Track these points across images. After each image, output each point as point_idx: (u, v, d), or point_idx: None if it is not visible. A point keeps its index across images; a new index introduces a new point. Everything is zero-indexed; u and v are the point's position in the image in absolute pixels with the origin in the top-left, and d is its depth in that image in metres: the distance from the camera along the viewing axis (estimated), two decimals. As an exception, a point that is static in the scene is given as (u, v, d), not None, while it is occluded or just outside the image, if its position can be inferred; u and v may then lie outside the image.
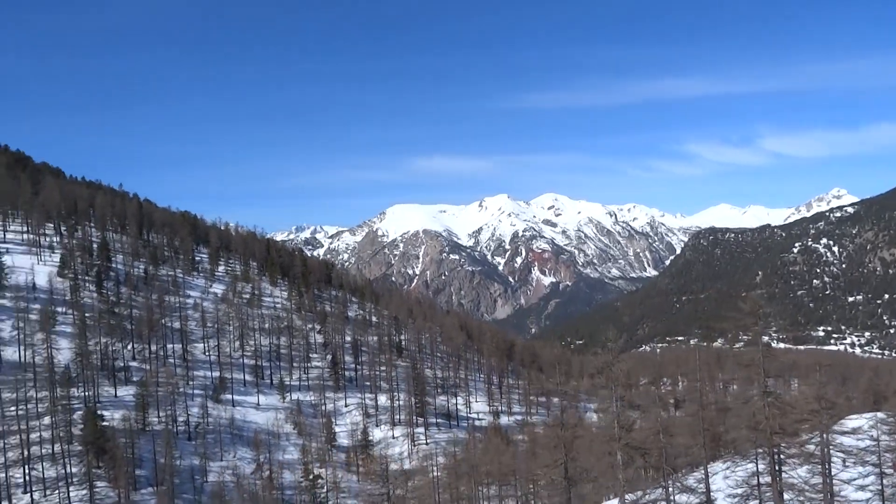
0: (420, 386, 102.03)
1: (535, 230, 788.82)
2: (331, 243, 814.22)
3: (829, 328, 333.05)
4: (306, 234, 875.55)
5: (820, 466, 23.70)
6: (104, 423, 70.85)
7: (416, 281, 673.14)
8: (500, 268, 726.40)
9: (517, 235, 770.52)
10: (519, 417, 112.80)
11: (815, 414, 22.76)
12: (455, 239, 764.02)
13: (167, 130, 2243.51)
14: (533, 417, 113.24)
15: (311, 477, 77.63)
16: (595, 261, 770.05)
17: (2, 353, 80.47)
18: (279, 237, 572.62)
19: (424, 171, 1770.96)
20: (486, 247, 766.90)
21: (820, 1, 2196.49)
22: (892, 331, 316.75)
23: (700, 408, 27.32)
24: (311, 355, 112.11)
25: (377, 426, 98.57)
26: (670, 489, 24.78)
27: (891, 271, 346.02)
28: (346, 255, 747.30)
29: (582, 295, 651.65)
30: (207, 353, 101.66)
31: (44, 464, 66.42)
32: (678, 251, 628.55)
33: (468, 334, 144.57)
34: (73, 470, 66.53)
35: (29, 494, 63.33)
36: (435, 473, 66.45)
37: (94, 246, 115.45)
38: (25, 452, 64.67)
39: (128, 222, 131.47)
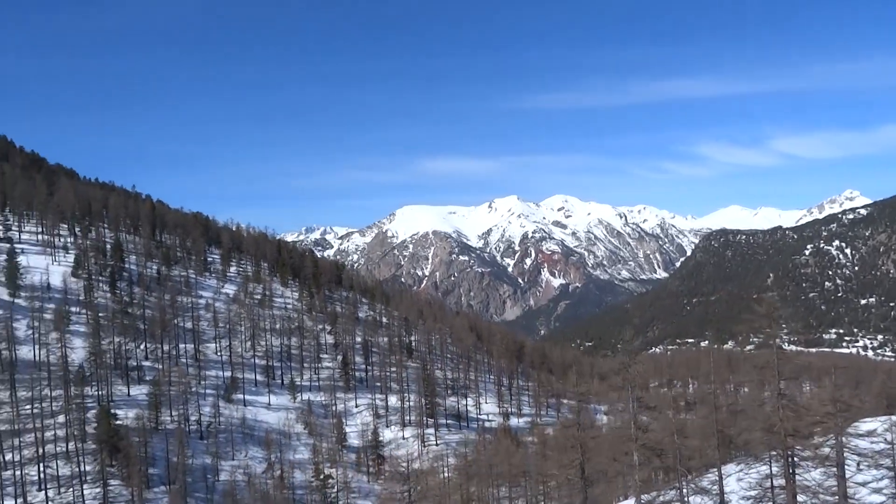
0: (430, 387, 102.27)
1: (544, 231, 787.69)
2: (340, 244, 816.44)
3: (842, 331, 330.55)
4: (316, 234, 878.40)
5: (834, 469, 23.69)
6: (118, 422, 71.48)
7: (425, 282, 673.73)
8: (510, 269, 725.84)
9: (527, 237, 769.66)
10: (529, 419, 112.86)
11: (829, 416, 22.77)
12: (464, 240, 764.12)
13: (178, 132, 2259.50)
14: (543, 419, 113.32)
15: (321, 477, 78.08)
16: (605, 262, 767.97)
17: (17, 353, 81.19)
18: (289, 238, 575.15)
19: (434, 173, 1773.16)
20: (496, 248, 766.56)
21: (830, 1, 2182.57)
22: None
23: (714, 410, 27.36)
24: (321, 356, 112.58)
25: (387, 427, 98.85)
26: (684, 490, 24.83)
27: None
28: (355, 256, 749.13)
29: (591, 296, 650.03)
30: (219, 353, 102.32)
31: (58, 462, 67.11)
32: (688, 253, 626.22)
33: (478, 335, 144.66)
34: (87, 468, 67.16)
35: (44, 492, 63.95)
36: (446, 474, 66.68)
37: (108, 246, 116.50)
38: (40, 450, 65.38)
39: (141, 223, 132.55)
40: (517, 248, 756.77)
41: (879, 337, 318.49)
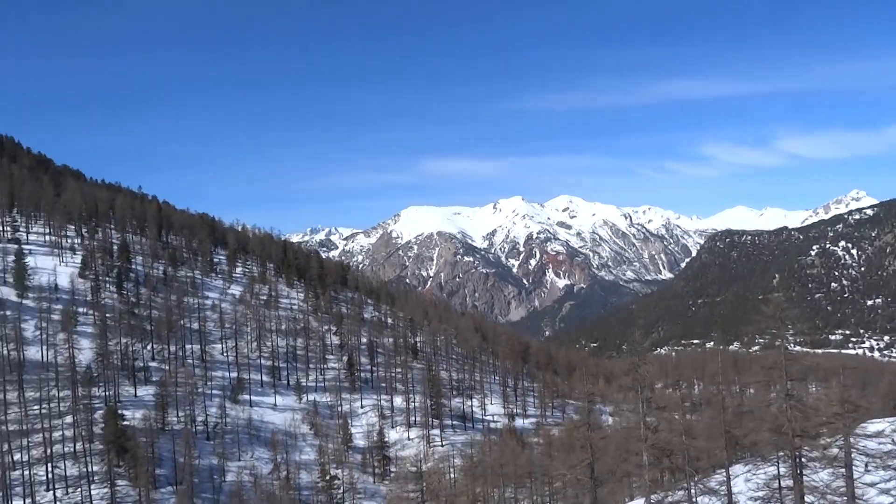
0: (435, 388, 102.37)
1: (549, 232, 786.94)
2: (345, 245, 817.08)
3: (848, 332, 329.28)
4: (321, 235, 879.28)
5: (842, 470, 23.70)
6: (125, 423, 71.88)
7: (430, 283, 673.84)
8: (515, 270, 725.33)
9: (531, 237, 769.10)
10: (534, 420, 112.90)
11: (838, 417, 22.78)
12: (469, 241, 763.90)
13: (183, 133, 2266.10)
14: (548, 420, 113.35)
15: (327, 477, 78.11)
16: (610, 263, 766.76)
17: (25, 353, 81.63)
18: (294, 239, 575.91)
19: (438, 173, 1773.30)
20: (501, 249, 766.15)
21: (835, 0, 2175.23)
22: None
23: (722, 410, 27.39)
24: (327, 356, 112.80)
25: (393, 427, 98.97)
26: (692, 491, 24.87)
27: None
28: (360, 257, 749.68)
29: (596, 297, 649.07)
30: (225, 354, 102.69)
31: (66, 462, 67.49)
32: (694, 254, 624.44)
33: (483, 336, 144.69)
34: (95, 468, 67.53)
35: (52, 492, 64.35)
36: (452, 475, 66.79)
37: (115, 247, 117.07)
38: (48, 451, 65.81)
39: (147, 224, 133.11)
40: (522, 248, 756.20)
41: (886, 338, 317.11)
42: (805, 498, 24.25)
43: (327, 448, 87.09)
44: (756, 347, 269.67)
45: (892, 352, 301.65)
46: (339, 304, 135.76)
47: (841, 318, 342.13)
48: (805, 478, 24.45)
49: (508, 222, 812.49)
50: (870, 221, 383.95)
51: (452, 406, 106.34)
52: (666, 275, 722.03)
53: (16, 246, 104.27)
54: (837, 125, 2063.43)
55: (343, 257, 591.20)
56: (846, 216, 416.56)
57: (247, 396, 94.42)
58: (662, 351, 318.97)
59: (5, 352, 79.34)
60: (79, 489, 65.40)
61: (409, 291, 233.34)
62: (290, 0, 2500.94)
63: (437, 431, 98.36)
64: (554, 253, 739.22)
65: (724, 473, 27.06)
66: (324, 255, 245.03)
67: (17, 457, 65.34)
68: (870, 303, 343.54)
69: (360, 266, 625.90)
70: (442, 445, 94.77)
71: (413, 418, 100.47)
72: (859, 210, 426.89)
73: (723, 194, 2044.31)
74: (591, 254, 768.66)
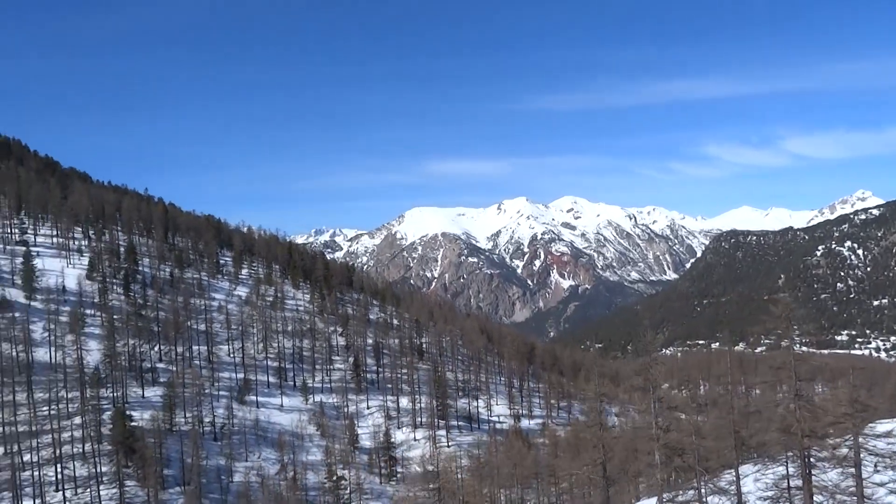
0: (441, 389, 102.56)
1: (553, 233, 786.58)
2: (349, 246, 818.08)
3: (854, 332, 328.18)
4: (325, 237, 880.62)
5: (851, 470, 23.80)
6: (133, 424, 72.21)
7: (434, 284, 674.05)
8: (519, 271, 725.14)
9: (536, 238, 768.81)
10: (540, 421, 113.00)
11: (847, 417, 22.89)
12: (473, 242, 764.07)
13: (187, 134, 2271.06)
14: (554, 421, 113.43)
15: (334, 478, 78.51)
16: (614, 264, 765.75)
17: (34, 355, 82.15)
18: (298, 240, 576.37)
19: (442, 174, 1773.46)
20: (505, 249, 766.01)
21: (839, 0, 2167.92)
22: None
23: (731, 410, 27.52)
24: (333, 357, 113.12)
25: (399, 428, 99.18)
26: (702, 490, 25.00)
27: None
28: (364, 258, 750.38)
29: (601, 298, 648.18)
30: (232, 355, 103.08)
31: (75, 463, 67.87)
32: (699, 254, 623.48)
33: (488, 337, 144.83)
34: (104, 469, 67.96)
35: (61, 492, 64.75)
36: (460, 476, 66.78)
37: (122, 249, 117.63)
38: (57, 451, 66.25)
39: (153, 226, 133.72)
40: (526, 249, 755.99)
41: (892, 338, 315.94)
42: (814, 498, 24.36)
43: (334, 449, 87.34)
44: (762, 348, 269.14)
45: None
46: (345, 305, 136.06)
47: (847, 318, 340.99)
48: (814, 478, 24.56)
49: (513, 223, 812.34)
50: (876, 221, 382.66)
51: (458, 407, 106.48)
52: (671, 275, 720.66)
53: (24, 248, 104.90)
54: (842, 125, 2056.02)
55: (347, 258, 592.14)
56: (852, 216, 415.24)
57: (253, 397, 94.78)
58: (668, 352, 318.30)
59: (14, 353, 79.81)
60: (88, 490, 65.80)
61: (413, 292, 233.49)
62: (292, 1, 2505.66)
63: (443, 432, 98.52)
64: (558, 254, 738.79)
65: (734, 473, 27.19)
66: (328, 257, 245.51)
67: (27, 457, 65.76)
68: (876, 303, 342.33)
69: (365, 267, 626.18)
70: (448, 446, 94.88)
71: (419, 419, 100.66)
72: (865, 210, 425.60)
73: (727, 194, 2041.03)
74: (595, 254, 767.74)
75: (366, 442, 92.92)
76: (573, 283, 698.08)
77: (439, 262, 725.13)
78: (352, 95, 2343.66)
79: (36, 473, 63.75)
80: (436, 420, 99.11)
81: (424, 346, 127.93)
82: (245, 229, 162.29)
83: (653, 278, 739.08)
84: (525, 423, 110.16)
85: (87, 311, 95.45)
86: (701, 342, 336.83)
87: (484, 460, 76.78)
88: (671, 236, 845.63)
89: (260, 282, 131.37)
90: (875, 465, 25.06)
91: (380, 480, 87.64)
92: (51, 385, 71.81)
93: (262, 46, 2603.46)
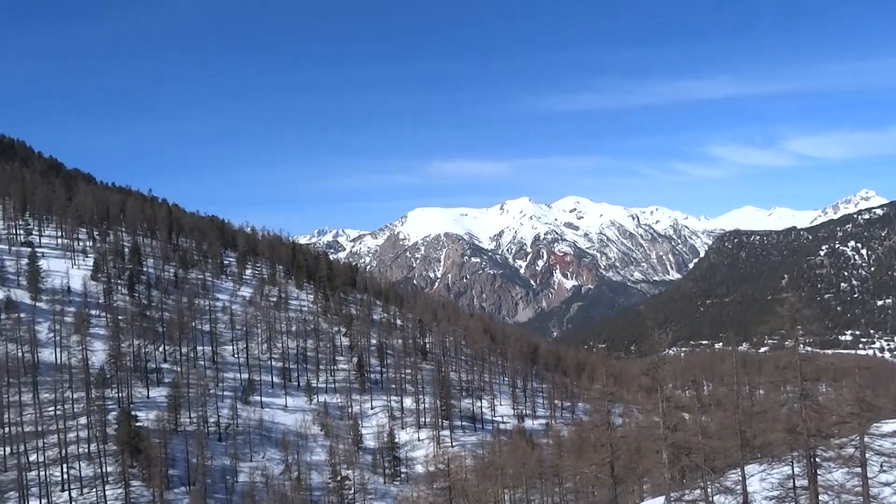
0: (445, 389, 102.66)
1: (556, 233, 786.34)
2: (352, 247, 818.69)
3: (858, 332, 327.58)
4: (328, 237, 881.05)
5: (857, 469, 23.85)
6: (138, 424, 72.49)
7: (437, 284, 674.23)
8: (522, 271, 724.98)
9: (539, 238, 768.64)
10: (544, 421, 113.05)
11: (854, 416, 22.95)
12: (476, 242, 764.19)
13: (191, 136, 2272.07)
14: (558, 421, 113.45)
15: (338, 478, 78.50)
16: (617, 264, 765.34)
17: (39, 355, 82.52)
18: (302, 240, 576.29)
19: (445, 175, 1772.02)
20: (508, 250, 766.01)
21: (842, 0, 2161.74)
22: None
23: (737, 410, 27.59)
24: (337, 358, 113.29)
25: (403, 428, 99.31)
26: (709, 490, 25.08)
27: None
28: (367, 259, 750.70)
29: (604, 298, 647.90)
30: (236, 356, 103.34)
31: (81, 463, 68.20)
32: (702, 254, 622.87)
33: (492, 337, 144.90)
34: (109, 469, 68.17)
35: (67, 492, 65.01)
36: (465, 476, 67.03)
37: (126, 250, 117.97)
38: (63, 452, 66.52)
39: (157, 227, 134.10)
40: (529, 249, 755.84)
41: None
42: (820, 497, 24.42)
43: (338, 449, 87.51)
44: (765, 348, 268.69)
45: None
46: (349, 306, 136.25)
47: (851, 318, 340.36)
48: (819, 477, 24.62)
49: (515, 223, 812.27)
50: (879, 221, 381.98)
51: (462, 407, 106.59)
52: (674, 275, 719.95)
53: (29, 249, 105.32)
54: (846, 125, 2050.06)
55: (350, 259, 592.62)
56: (855, 216, 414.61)
57: (258, 398, 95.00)
58: (671, 352, 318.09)
59: (20, 354, 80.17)
60: (94, 489, 66.05)
61: (417, 293, 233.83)
62: (296, 4, 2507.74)
63: (446, 432, 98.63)
64: (561, 254, 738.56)
65: (739, 473, 27.26)
66: (331, 257, 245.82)
67: (32, 457, 66.15)
68: (880, 303, 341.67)
69: (368, 267, 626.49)
70: (452, 446, 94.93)
71: (423, 419, 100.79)
72: (869, 210, 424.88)
73: (731, 194, 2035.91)
74: (598, 254, 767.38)
75: (370, 442, 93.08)
76: (576, 284, 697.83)
77: (442, 263, 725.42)
78: (354, 96, 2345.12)
79: (42, 473, 64.01)
80: (440, 420, 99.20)
81: (428, 346, 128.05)
82: (249, 230, 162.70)
83: (656, 278, 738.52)
84: (529, 423, 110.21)
85: (92, 312, 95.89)
86: (704, 342, 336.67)
87: (488, 460, 76.85)
88: (674, 236, 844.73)
89: (264, 282, 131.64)
90: (881, 465, 25.10)
91: (384, 480, 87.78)
92: (56, 385, 72.12)
93: (266, 48, 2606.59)
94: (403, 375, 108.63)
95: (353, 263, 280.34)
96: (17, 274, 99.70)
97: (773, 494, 25.59)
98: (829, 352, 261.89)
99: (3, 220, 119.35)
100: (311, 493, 78.32)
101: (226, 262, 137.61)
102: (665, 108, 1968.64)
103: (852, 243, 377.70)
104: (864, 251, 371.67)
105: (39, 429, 68.43)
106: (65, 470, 65.99)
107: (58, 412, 69.60)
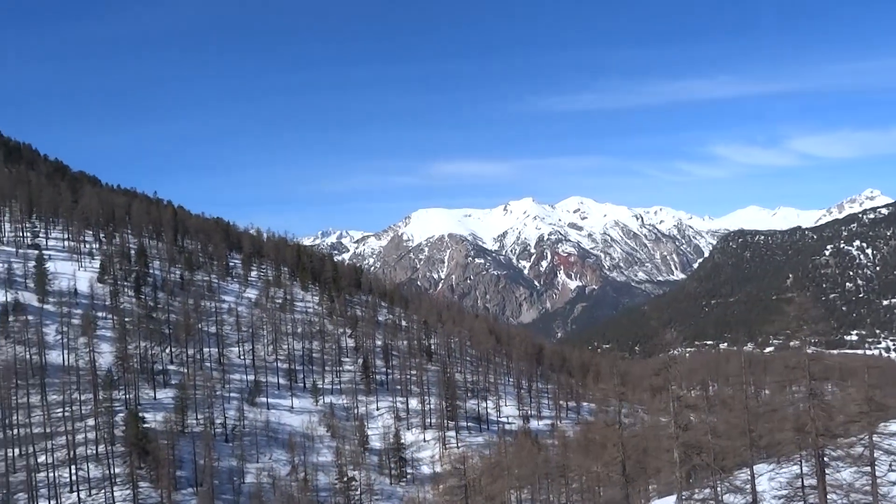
0: (450, 390, 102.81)
1: (560, 234, 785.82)
2: (356, 248, 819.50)
3: (863, 332, 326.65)
4: (332, 238, 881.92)
5: (866, 468, 23.95)
6: (145, 425, 72.80)
7: (441, 285, 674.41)
8: (526, 272, 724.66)
9: (542, 239, 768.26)
10: (549, 421, 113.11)
11: (863, 415, 23.05)
12: (480, 243, 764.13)
13: (195, 137, 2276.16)
14: (563, 422, 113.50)
15: (345, 479, 78.82)
16: (621, 264, 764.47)
17: (47, 357, 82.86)
18: (305, 242, 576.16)
19: (449, 176, 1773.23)
20: (512, 251, 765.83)
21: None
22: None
23: (745, 409, 27.70)
24: (342, 359, 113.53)
25: (408, 429, 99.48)
26: (719, 489, 25.21)
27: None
28: (371, 260, 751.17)
29: (608, 299, 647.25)
30: (242, 357, 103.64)
31: (89, 464, 68.47)
32: (706, 254, 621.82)
33: (497, 338, 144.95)
34: (117, 470, 68.54)
35: (76, 493, 65.35)
36: (474, 475, 67.21)
37: (132, 252, 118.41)
38: (72, 453, 66.84)
39: (163, 229, 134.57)
40: (533, 250, 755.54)
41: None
42: (829, 496, 24.51)
43: (344, 450, 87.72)
44: (770, 348, 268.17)
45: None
46: (354, 307, 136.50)
47: (856, 318, 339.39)
48: (828, 477, 24.71)
49: (519, 224, 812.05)
50: (885, 220, 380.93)
51: (467, 408, 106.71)
52: (678, 275, 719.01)
53: (36, 251, 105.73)
54: (849, 124, 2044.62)
55: (354, 260, 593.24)
56: (860, 215, 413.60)
57: (264, 399, 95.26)
58: (676, 352, 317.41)
59: (28, 356, 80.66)
60: (102, 491, 66.36)
61: (421, 294, 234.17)
62: (295, 4, 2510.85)
63: (452, 433, 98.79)
64: (565, 254, 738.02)
65: (748, 472, 27.38)
66: (335, 258, 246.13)
67: (41, 459, 66.46)
68: (885, 303, 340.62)
69: (371, 269, 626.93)
70: (458, 447, 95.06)
71: (428, 420, 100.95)
72: (874, 209, 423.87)
73: (735, 194, 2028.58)
74: (602, 255, 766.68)
75: (376, 443, 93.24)
76: (580, 284, 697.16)
77: (446, 264, 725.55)
78: (355, 97, 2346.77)
79: (51, 475, 64.37)
80: (445, 421, 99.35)
81: (433, 347, 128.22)
82: (254, 232, 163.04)
83: (660, 279, 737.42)
84: (534, 423, 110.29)
85: (99, 314, 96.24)
86: (709, 342, 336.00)
87: (494, 460, 76.96)
88: (678, 236, 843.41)
89: (269, 284, 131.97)
90: (890, 465, 25.21)
91: (390, 481, 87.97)
92: (64, 387, 72.40)
93: (266, 48, 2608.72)
94: (409, 376, 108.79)
95: (357, 265, 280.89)
96: (24, 276, 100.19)
97: (781, 493, 25.69)
98: (835, 352, 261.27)
99: (10, 222, 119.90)
100: (318, 494, 78.53)
101: (231, 263, 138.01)
102: (667, 108, 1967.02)
103: (857, 243, 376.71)
104: (869, 251, 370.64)
105: (48, 430, 68.78)
106: (73, 471, 66.32)
107: (66, 414, 69.88)
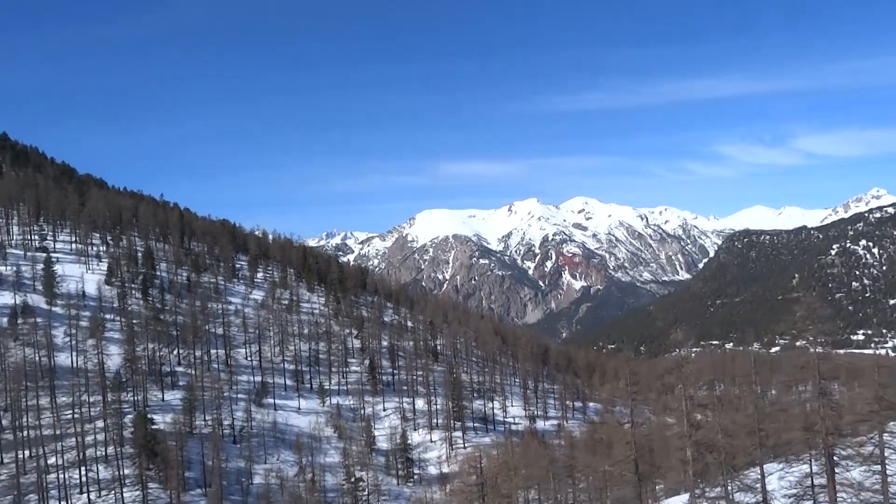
0: (457, 390, 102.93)
1: (565, 234, 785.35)
2: (361, 249, 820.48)
3: (870, 332, 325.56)
4: (337, 240, 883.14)
5: (876, 467, 24.04)
6: (154, 427, 73.11)
7: (445, 286, 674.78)
8: (531, 272, 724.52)
9: (547, 239, 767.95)
10: (555, 421, 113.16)
11: (873, 414, 23.14)
12: (485, 243, 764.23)
13: (199, 139, 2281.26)
14: (569, 422, 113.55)
15: (352, 480, 79.03)
16: (626, 264, 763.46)
17: (56, 359, 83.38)
18: (310, 243, 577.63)
19: (453, 176, 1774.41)
20: (516, 251, 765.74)
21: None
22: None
23: (755, 409, 27.82)
24: (349, 360, 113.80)
25: (415, 430, 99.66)
26: (729, 487, 25.34)
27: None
28: (376, 261, 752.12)
29: (613, 299, 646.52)
30: (249, 359, 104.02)
31: (98, 465, 68.83)
32: (711, 254, 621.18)
33: (503, 339, 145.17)
34: (126, 472, 68.86)
35: (86, 495, 65.72)
36: (490, 474, 67.43)
37: (139, 254, 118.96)
38: (81, 454, 67.19)
39: (170, 231, 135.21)
40: (537, 250, 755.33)
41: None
42: (839, 495, 24.61)
43: (351, 450, 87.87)
44: (776, 348, 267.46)
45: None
46: (360, 308, 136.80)
47: (862, 318, 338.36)
48: (838, 475, 24.81)
49: (524, 224, 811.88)
50: (891, 220, 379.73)
51: (474, 408, 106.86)
52: (683, 276, 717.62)
53: (44, 254, 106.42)
54: (855, 123, 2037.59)
55: (359, 261, 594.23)
56: (866, 214, 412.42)
57: (271, 400, 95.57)
58: (682, 352, 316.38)
59: (37, 358, 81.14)
60: (112, 492, 66.72)
61: (426, 294, 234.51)
62: (303, 5, 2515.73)
63: (459, 434, 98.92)
64: (570, 255, 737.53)
65: (758, 471, 27.49)
66: (340, 259, 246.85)
67: (51, 461, 66.78)
68: (892, 302, 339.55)
69: (376, 270, 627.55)
70: (464, 447, 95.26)
71: (435, 420, 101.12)
72: (880, 208, 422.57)
73: (740, 194, 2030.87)
74: (607, 255, 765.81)
75: (382, 444, 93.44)
76: (585, 284, 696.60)
77: (451, 264, 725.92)
78: (355, 97, 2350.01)
79: (61, 476, 64.70)
80: (452, 422, 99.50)
81: (439, 347, 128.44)
82: (259, 233, 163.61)
83: (665, 279, 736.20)
84: (540, 424, 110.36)
85: (107, 316, 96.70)
86: (715, 342, 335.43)
87: (501, 460, 77.02)
88: (683, 236, 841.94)
89: (275, 285, 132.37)
90: (899, 464, 25.28)
91: (397, 482, 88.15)
92: (73, 389, 72.78)
93: (265, 48, 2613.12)
94: (415, 377, 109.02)
95: (362, 266, 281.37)
96: (32, 279, 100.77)
97: (791, 492, 25.80)
98: (842, 352, 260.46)
99: (18, 225, 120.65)
100: (326, 495, 78.78)
101: (237, 265, 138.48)
102: (671, 108, 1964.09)
103: (864, 242, 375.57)
104: (875, 250, 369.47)
105: (57, 432, 69.09)
106: (83, 473, 66.65)
107: (75, 416, 70.25)
